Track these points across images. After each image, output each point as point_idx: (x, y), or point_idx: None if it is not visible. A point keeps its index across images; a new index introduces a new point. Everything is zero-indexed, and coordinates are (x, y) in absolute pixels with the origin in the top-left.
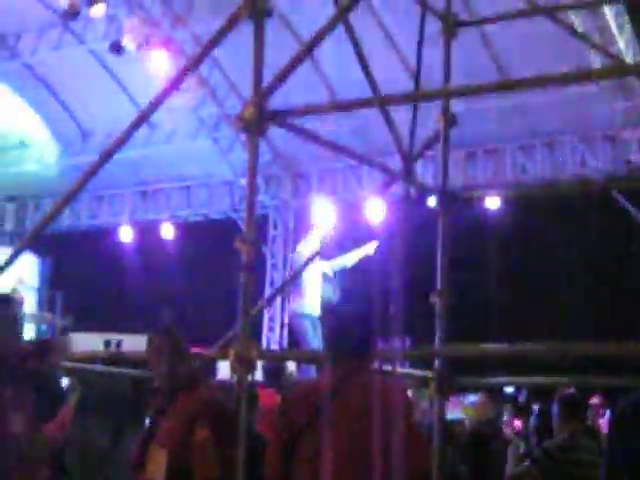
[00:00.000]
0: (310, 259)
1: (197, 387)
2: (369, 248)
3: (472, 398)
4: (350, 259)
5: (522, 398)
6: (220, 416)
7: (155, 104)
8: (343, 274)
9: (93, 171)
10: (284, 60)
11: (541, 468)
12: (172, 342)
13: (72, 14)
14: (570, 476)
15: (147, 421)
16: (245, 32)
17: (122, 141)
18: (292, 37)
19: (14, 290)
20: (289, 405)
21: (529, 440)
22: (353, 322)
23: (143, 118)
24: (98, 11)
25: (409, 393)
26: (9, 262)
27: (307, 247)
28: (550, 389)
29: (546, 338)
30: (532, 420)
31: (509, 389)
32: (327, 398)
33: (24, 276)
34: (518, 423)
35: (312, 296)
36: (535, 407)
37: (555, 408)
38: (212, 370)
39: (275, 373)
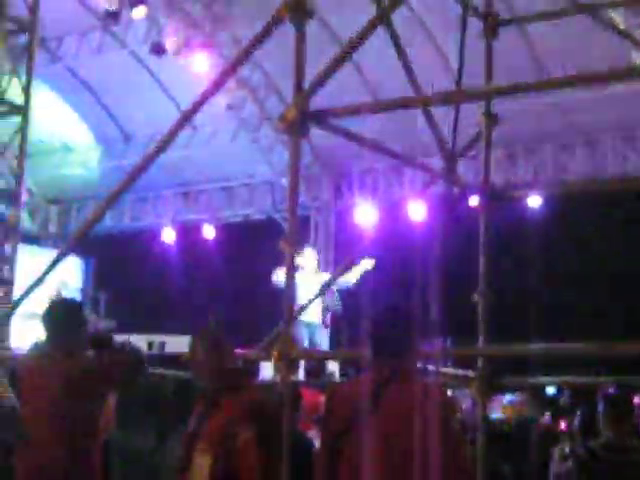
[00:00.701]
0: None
1: (241, 388)
2: (367, 264)
3: (509, 397)
4: (352, 276)
5: (565, 398)
6: (264, 417)
7: (197, 106)
8: (384, 274)
9: (137, 173)
10: (324, 61)
11: (587, 468)
12: (216, 343)
13: (113, 17)
14: (617, 476)
15: (191, 423)
16: (285, 32)
17: (165, 143)
18: (332, 38)
19: (59, 294)
20: (334, 406)
21: (574, 440)
22: (394, 323)
23: (185, 120)
24: (139, 13)
25: (450, 393)
26: (53, 265)
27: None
28: (592, 389)
29: (589, 338)
30: (576, 420)
31: (551, 389)
32: (369, 400)
33: (67, 278)
34: (561, 423)
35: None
36: (579, 406)
37: (600, 407)
38: (254, 371)
39: (316, 373)
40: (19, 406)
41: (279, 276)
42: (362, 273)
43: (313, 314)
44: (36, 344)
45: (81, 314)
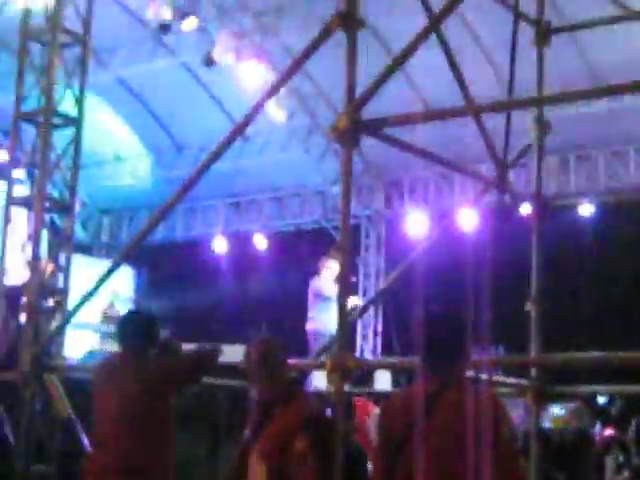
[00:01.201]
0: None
1: (295, 398)
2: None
3: (557, 409)
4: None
5: (616, 408)
6: (319, 427)
7: (250, 117)
8: (435, 282)
9: (190, 184)
10: (374, 71)
11: None
12: (270, 353)
13: (164, 28)
14: None
15: (247, 432)
16: (335, 42)
17: (217, 154)
18: (382, 47)
19: (111, 305)
20: (387, 417)
21: (627, 450)
22: (446, 331)
23: (238, 131)
24: (189, 25)
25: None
26: (107, 275)
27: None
28: None
29: None
30: (631, 430)
31: (601, 399)
32: (421, 410)
33: (119, 288)
34: (611, 432)
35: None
36: (632, 416)
37: None
38: (302, 380)
39: (364, 381)
40: (94, 407)
41: (320, 282)
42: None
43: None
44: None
45: (155, 325)
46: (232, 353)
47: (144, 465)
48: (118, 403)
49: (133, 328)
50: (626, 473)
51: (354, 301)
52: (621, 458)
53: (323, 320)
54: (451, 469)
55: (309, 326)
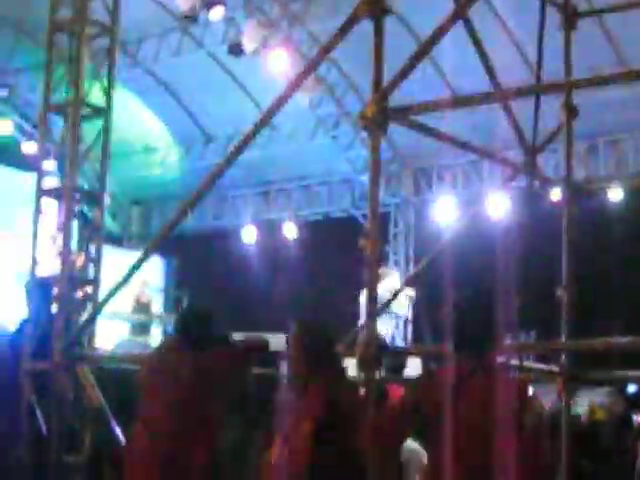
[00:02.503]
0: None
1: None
2: (410, 292)
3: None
4: (402, 307)
5: None
6: (331, 411)
7: (277, 106)
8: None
9: (218, 173)
10: (401, 58)
11: None
12: (305, 341)
13: (191, 18)
14: None
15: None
16: (361, 30)
17: (245, 143)
18: (409, 35)
19: (142, 294)
20: (417, 396)
21: None
22: (477, 317)
23: (265, 120)
24: (216, 14)
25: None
26: (138, 265)
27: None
28: None
29: None
30: None
31: (631, 388)
32: (449, 395)
33: (150, 278)
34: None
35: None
36: None
37: None
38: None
39: (397, 369)
40: (145, 393)
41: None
42: (409, 302)
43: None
44: (163, 343)
45: (213, 319)
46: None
47: (193, 458)
48: (174, 393)
49: (193, 321)
50: None
51: (409, 292)
52: None
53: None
54: (476, 450)
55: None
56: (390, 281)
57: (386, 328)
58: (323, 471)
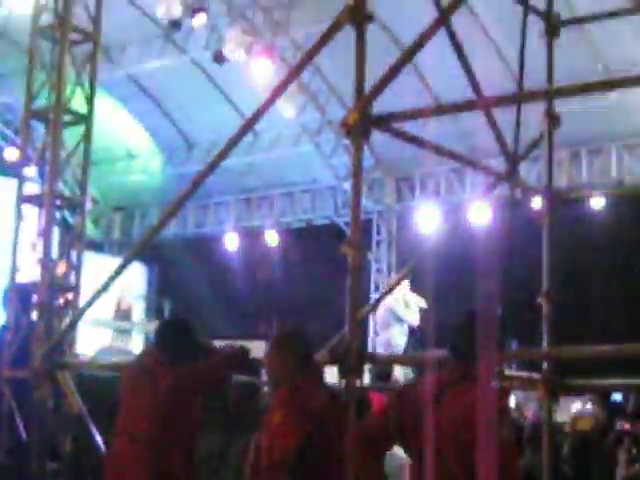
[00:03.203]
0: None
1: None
2: (421, 302)
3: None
4: (413, 317)
5: (631, 405)
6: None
7: (259, 113)
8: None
9: (200, 180)
10: (384, 65)
11: None
12: (282, 348)
13: (174, 25)
14: None
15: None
16: (344, 37)
17: (228, 150)
18: (392, 41)
19: (122, 301)
20: (395, 406)
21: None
22: (459, 326)
23: (248, 127)
24: (199, 21)
25: (514, 397)
26: (118, 271)
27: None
28: None
29: None
30: None
31: (617, 397)
32: (429, 404)
33: (131, 284)
34: (624, 426)
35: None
36: None
37: None
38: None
39: (384, 377)
40: (123, 403)
41: (393, 301)
42: (419, 311)
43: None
44: (143, 352)
45: (193, 332)
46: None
47: (173, 461)
48: (151, 401)
49: (172, 332)
50: (637, 465)
51: (420, 303)
52: (634, 452)
53: (394, 336)
54: (454, 460)
55: (379, 339)
56: (400, 291)
57: (402, 339)
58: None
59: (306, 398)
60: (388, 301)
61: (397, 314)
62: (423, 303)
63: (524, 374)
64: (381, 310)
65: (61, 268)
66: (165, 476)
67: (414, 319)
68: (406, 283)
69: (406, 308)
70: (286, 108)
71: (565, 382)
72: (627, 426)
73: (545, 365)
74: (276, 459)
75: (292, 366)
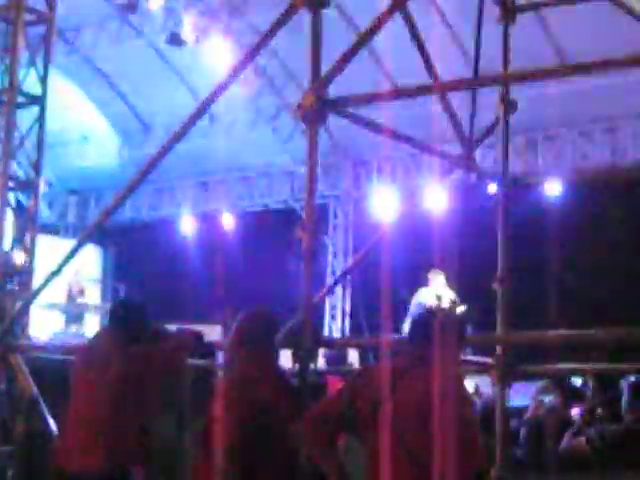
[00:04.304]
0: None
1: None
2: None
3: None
4: None
5: (589, 390)
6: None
7: (214, 95)
8: (403, 262)
9: (154, 163)
10: (342, 49)
11: (594, 447)
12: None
13: (130, 7)
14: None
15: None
16: (302, 21)
17: (182, 133)
18: (349, 26)
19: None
20: (352, 393)
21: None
22: (426, 310)
23: (203, 110)
24: (156, 3)
25: (471, 382)
26: (71, 254)
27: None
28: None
29: (608, 324)
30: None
31: (577, 381)
32: (387, 387)
33: (86, 268)
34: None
35: None
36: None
37: (625, 395)
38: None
39: (337, 361)
40: (74, 387)
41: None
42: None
43: None
44: (97, 334)
45: (145, 313)
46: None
47: (126, 447)
48: (103, 386)
49: (126, 313)
50: (582, 439)
51: (450, 295)
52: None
53: None
54: (413, 445)
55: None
56: (436, 284)
57: None
58: (250, 465)
59: (250, 386)
60: (420, 293)
61: (425, 304)
62: (453, 295)
63: (479, 359)
64: (414, 301)
65: (15, 252)
66: (118, 459)
67: None
68: (441, 278)
69: (437, 301)
70: (243, 92)
71: (518, 367)
72: (575, 411)
73: (498, 350)
74: (212, 449)
75: (248, 344)
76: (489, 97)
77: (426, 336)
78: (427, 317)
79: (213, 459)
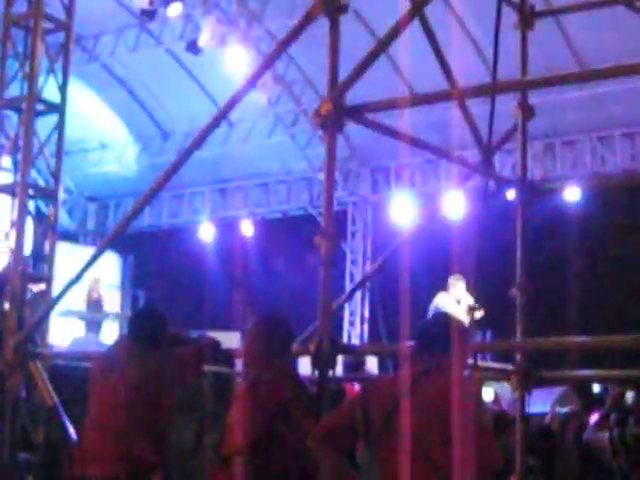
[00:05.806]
0: None
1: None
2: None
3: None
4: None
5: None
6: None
7: (233, 102)
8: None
9: (173, 170)
10: (359, 56)
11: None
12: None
13: (149, 14)
14: None
15: None
16: (320, 28)
17: (201, 139)
18: (367, 33)
19: (94, 291)
20: (367, 401)
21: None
22: (432, 318)
23: (221, 116)
24: (174, 10)
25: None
26: (91, 262)
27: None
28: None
29: (630, 330)
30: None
31: (596, 388)
32: (403, 396)
33: (106, 275)
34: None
35: None
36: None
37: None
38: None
39: (355, 367)
40: (93, 394)
41: (444, 299)
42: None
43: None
44: (116, 341)
45: (166, 322)
46: (218, 339)
47: (144, 453)
48: (123, 392)
49: (145, 322)
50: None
51: (469, 301)
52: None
53: None
54: (430, 450)
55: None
56: (457, 290)
57: None
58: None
59: (267, 393)
60: (437, 298)
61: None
62: (475, 304)
63: (498, 365)
64: (431, 306)
65: (35, 260)
66: (135, 466)
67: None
68: (462, 284)
69: (456, 306)
70: (261, 99)
71: (537, 373)
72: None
73: (518, 356)
74: (224, 455)
75: (264, 350)
76: (507, 103)
77: (428, 344)
78: (426, 325)
79: (230, 464)
